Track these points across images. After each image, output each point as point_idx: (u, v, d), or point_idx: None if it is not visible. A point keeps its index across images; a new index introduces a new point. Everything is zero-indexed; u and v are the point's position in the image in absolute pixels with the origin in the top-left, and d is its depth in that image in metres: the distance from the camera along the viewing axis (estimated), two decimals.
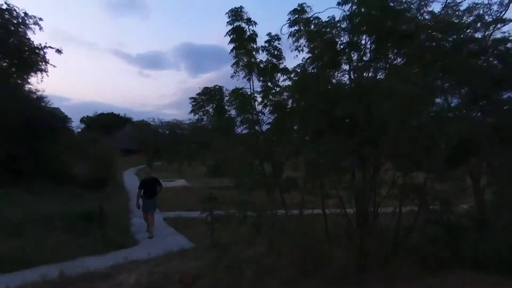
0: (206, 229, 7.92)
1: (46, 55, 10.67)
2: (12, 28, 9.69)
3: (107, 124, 50.72)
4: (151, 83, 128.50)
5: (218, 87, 5.54)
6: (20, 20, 9.86)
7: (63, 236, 7.11)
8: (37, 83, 10.93)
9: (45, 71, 10.87)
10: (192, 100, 8.36)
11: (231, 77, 7.78)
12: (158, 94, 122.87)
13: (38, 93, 12.26)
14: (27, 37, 10.21)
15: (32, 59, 10.47)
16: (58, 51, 10.80)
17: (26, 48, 10.13)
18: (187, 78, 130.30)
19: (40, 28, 10.66)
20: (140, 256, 6.50)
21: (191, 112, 8.74)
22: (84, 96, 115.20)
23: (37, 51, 10.38)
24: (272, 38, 5.41)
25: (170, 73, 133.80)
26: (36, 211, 8.08)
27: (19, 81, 10.21)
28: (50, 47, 10.68)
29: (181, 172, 25.30)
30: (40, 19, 10.50)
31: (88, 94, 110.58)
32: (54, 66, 10.98)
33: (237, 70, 6.55)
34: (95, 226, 7.97)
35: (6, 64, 9.97)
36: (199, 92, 5.53)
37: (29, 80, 10.83)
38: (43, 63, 10.76)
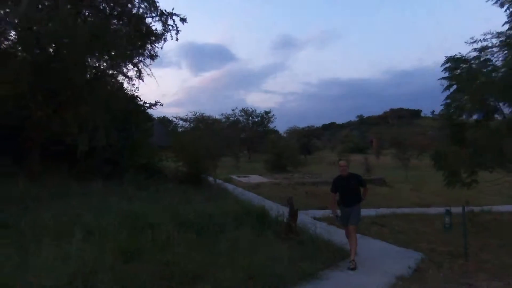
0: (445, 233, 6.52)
1: (176, 24, 8.64)
2: None
3: None
4: (152, 81, 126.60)
5: None
6: None
7: (268, 243, 5.45)
8: (150, 57, 8.91)
9: (164, 41, 8.91)
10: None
11: None
12: (160, 93, 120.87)
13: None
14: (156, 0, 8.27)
15: (151, 27, 8.56)
16: (183, 20, 8.91)
17: (154, 14, 8.26)
18: (189, 76, 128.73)
19: None
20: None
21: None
22: None
23: (163, 17, 8.50)
24: None
25: (171, 72, 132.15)
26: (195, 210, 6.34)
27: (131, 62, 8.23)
28: (175, 14, 8.83)
29: (238, 168, 23.76)
30: None
31: None
32: (177, 39, 9.04)
33: None
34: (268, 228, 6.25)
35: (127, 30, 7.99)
36: None
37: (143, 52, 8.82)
38: (173, 31, 8.82)
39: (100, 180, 9.19)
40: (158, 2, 8.26)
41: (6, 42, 6.06)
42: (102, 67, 7.90)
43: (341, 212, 5.74)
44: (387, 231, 7.51)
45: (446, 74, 7.03)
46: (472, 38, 7.92)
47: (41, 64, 5.98)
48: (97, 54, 7.25)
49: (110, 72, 8.06)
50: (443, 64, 7.01)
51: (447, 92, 7.87)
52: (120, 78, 8.41)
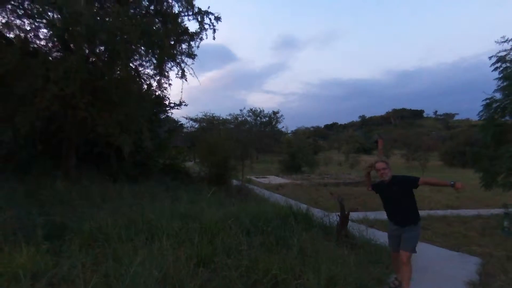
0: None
1: (212, 22, 8.49)
2: None
3: None
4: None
5: None
6: None
7: (327, 247, 5.32)
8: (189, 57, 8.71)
9: (200, 40, 8.76)
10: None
11: None
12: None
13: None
14: None
15: (187, 26, 8.39)
16: (217, 18, 8.77)
17: (190, 13, 8.07)
18: (189, 76, 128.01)
19: None
20: None
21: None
22: None
23: (199, 16, 8.33)
24: None
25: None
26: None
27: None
28: (211, 12, 8.68)
29: (252, 168, 23.62)
30: None
31: None
32: (214, 37, 8.86)
33: None
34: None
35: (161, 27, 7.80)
36: None
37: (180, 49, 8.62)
38: (209, 30, 8.64)
39: (132, 182, 9.09)
40: (194, 0, 8.13)
41: (56, 42, 5.98)
42: (140, 67, 7.82)
43: (389, 230, 4.33)
44: (432, 234, 7.40)
45: (496, 74, 6.93)
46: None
47: (93, 64, 5.89)
48: (144, 53, 7.15)
49: (152, 72, 7.97)
50: (493, 64, 6.92)
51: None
52: (158, 78, 8.28)
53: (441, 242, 6.85)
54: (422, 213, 9.63)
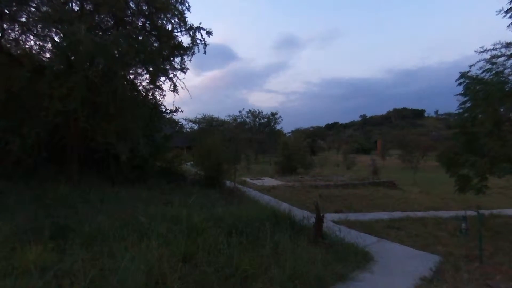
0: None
1: (203, 37, 9.21)
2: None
3: None
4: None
5: None
6: None
7: (300, 246, 5.95)
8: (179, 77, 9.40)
9: (192, 54, 9.42)
10: None
11: None
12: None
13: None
14: (185, 15, 8.82)
15: (180, 42, 9.02)
16: (209, 33, 9.44)
17: (183, 29, 8.75)
18: (191, 76, 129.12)
19: (188, 8, 9.32)
20: None
21: None
22: None
23: (191, 32, 9.00)
24: None
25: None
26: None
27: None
28: (202, 28, 9.36)
29: (249, 169, 24.28)
30: None
31: None
32: (205, 52, 9.59)
33: None
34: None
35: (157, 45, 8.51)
36: None
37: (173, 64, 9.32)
38: (201, 45, 9.29)
39: (130, 185, 9.76)
40: (187, 17, 8.80)
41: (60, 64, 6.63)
42: (136, 80, 8.50)
43: None
44: (405, 235, 8.00)
45: (460, 87, 7.51)
46: (482, 47, 8.50)
47: (92, 81, 6.54)
48: (139, 70, 7.81)
49: (148, 86, 8.63)
50: (457, 79, 7.51)
51: (459, 99, 8.43)
52: (152, 91, 8.93)
53: (411, 242, 7.44)
54: (401, 214, 10.39)
